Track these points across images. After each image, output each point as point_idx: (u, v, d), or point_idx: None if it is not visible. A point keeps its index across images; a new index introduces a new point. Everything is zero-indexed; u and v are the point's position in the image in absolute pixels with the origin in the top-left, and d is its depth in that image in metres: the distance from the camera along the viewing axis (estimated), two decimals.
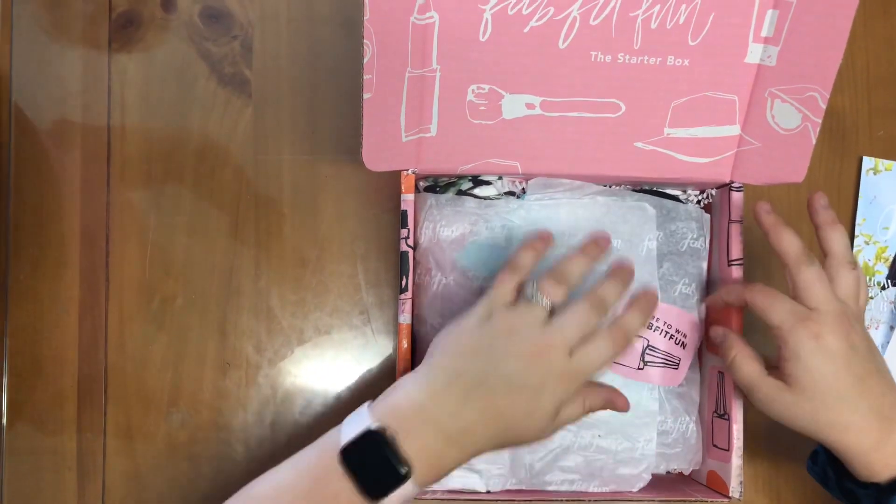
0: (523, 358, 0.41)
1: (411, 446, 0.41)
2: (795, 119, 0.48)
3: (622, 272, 0.45)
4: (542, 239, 0.46)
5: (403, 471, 0.40)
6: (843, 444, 0.43)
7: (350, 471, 0.40)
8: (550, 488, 0.52)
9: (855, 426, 0.43)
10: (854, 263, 0.47)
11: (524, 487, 0.52)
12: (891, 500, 0.42)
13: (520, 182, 0.53)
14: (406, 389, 0.43)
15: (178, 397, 0.57)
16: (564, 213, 0.52)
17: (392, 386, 0.44)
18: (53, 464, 0.56)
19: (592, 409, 0.45)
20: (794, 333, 0.43)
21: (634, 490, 0.52)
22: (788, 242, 0.46)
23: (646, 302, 0.45)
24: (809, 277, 0.45)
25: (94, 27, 0.58)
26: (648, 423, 0.52)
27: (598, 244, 0.46)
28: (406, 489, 0.41)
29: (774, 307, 0.45)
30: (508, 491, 0.52)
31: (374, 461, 0.40)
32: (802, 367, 0.43)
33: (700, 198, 0.55)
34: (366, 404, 0.43)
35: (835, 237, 0.47)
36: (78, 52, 0.58)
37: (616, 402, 0.46)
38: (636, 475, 0.52)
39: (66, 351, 0.57)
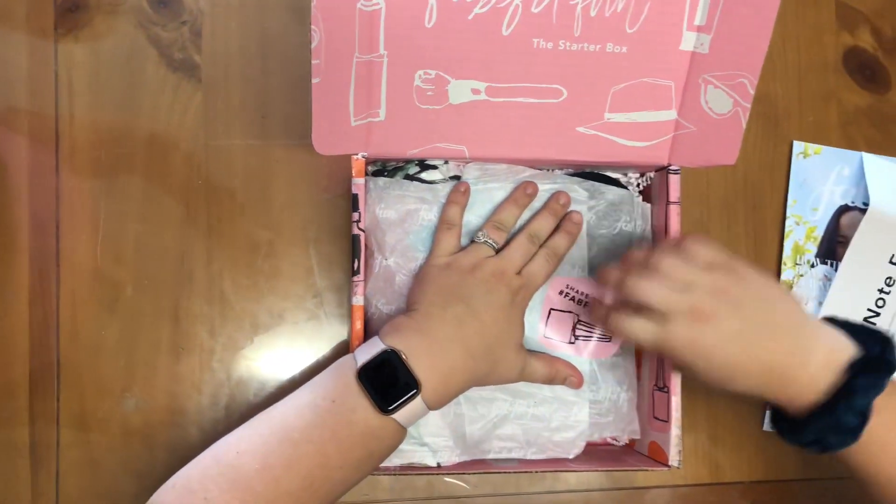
0: (488, 283, 0.50)
1: (420, 366, 0.46)
2: (727, 104, 0.50)
3: (554, 206, 0.54)
4: (461, 192, 0.54)
5: (414, 386, 0.46)
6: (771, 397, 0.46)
7: (366, 388, 0.45)
8: (490, 456, 0.54)
9: (766, 376, 0.45)
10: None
11: (467, 457, 0.54)
12: (836, 418, 0.43)
13: (464, 166, 0.55)
14: (407, 325, 0.48)
15: (132, 383, 0.57)
16: (499, 195, 0.54)
17: (389, 324, 0.49)
18: (6, 453, 0.56)
19: (557, 377, 0.53)
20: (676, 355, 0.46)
21: (570, 457, 0.54)
22: (614, 279, 0.49)
23: (571, 225, 0.54)
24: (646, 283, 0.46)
25: (39, 12, 0.58)
26: (580, 394, 0.55)
27: (526, 192, 0.54)
28: (416, 405, 0.46)
29: (640, 343, 0.47)
30: (459, 464, 0.54)
31: (387, 378, 0.46)
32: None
33: (640, 181, 0.57)
34: (375, 337, 0.48)
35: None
36: (22, 38, 0.58)
37: (576, 380, 0.54)
38: (570, 441, 0.54)
39: (16, 339, 0.57)
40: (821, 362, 0.44)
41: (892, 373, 0.43)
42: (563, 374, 0.53)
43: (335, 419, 0.45)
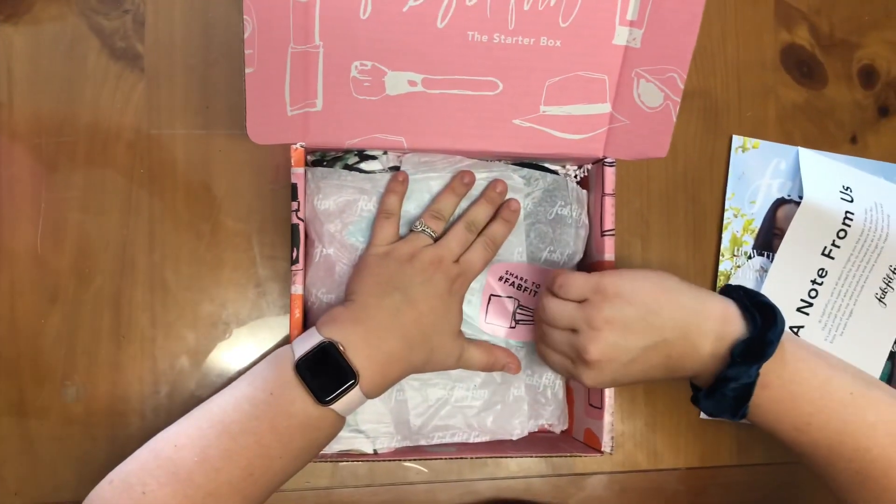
0: (426, 272, 0.50)
1: (357, 356, 0.47)
2: (658, 98, 0.51)
3: (491, 194, 0.55)
4: (400, 181, 0.54)
5: (352, 377, 0.46)
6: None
7: (304, 380, 0.46)
8: (433, 442, 0.55)
9: (669, 377, 0.48)
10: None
11: (409, 444, 0.54)
12: (717, 401, 0.46)
13: (404, 156, 0.55)
14: (344, 316, 0.49)
15: (72, 371, 0.57)
16: (437, 185, 0.54)
17: (327, 315, 0.49)
18: None
19: (496, 364, 0.54)
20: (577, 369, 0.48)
21: (513, 438, 0.55)
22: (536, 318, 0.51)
23: (509, 213, 0.55)
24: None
25: None
26: (518, 377, 0.56)
27: (463, 181, 0.54)
28: (354, 395, 0.47)
29: (558, 373, 0.53)
30: (396, 451, 0.54)
31: (325, 370, 0.46)
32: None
33: (577, 172, 0.58)
34: (313, 328, 0.49)
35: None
36: None
37: (514, 366, 0.55)
38: (512, 423, 0.56)
39: None
40: (709, 351, 0.46)
41: (764, 357, 0.45)
42: (501, 362, 0.54)
43: (274, 411, 0.46)
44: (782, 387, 0.46)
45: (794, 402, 0.46)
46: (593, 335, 0.46)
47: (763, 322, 0.45)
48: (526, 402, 0.56)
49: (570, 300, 0.48)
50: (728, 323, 0.46)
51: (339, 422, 0.48)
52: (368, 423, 0.54)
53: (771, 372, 0.45)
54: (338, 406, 0.47)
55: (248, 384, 0.47)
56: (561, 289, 0.48)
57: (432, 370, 0.52)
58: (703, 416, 0.63)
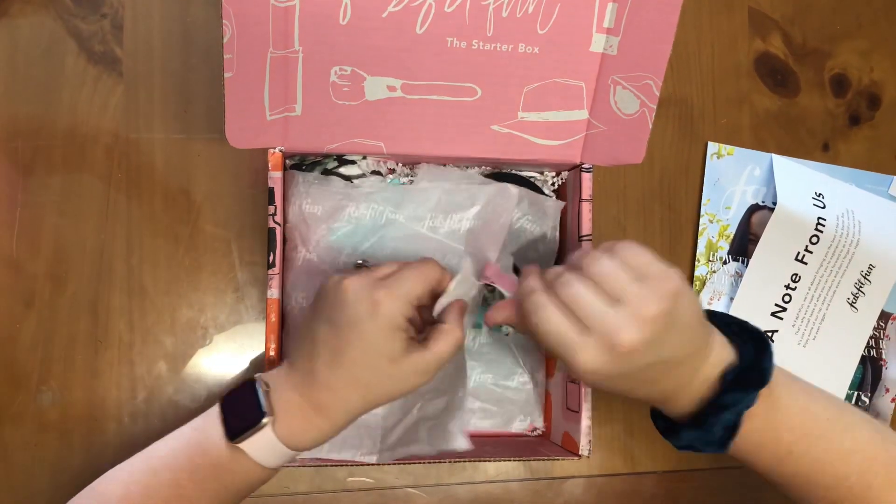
0: (338, 300, 0.44)
1: (277, 399, 0.44)
2: (634, 105, 0.52)
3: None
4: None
5: (264, 417, 0.43)
6: (652, 401, 0.45)
7: (223, 413, 0.45)
8: (396, 456, 0.52)
9: (647, 398, 0.44)
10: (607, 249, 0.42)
11: (375, 459, 0.52)
12: (705, 431, 0.43)
13: (384, 162, 0.56)
14: (286, 362, 0.47)
15: (48, 376, 0.57)
16: (432, 194, 0.54)
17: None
18: None
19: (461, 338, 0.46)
20: (567, 366, 0.40)
21: (459, 449, 0.51)
22: (553, 273, 0.42)
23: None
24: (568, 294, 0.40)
25: None
26: (461, 380, 0.53)
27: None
28: (266, 438, 0.43)
29: (545, 333, 0.41)
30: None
31: (245, 408, 0.44)
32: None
33: (555, 179, 0.59)
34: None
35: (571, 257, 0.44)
36: None
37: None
38: (453, 433, 0.51)
39: None
40: (701, 378, 0.42)
41: (763, 383, 0.42)
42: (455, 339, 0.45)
43: (192, 448, 0.45)
44: (766, 415, 0.43)
45: (776, 431, 0.43)
46: (638, 315, 0.38)
47: (756, 349, 0.42)
48: (469, 402, 0.56)
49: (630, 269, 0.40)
50: (718, 357, 0.42)
51: (257, 470, 0.44)
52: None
53: (757, 400, 0.42)
54: (249, 449, 0.43)
55: (188, 424, 0.46)
56: (626, 250, 0.40)
57: (391, 401, 0.45)
58: None
